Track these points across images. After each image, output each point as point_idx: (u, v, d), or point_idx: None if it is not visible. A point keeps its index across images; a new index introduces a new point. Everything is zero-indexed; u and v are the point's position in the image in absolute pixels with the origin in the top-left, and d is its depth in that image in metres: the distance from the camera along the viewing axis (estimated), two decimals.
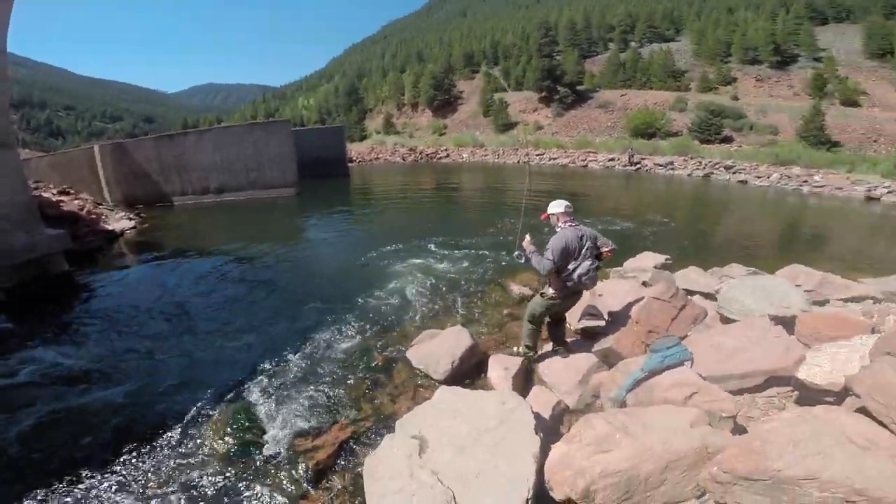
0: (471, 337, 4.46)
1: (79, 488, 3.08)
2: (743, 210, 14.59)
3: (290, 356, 4.72)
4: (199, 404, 3.94)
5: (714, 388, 2.97)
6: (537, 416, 2.81)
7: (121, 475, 3.19)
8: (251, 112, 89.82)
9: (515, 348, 4.41)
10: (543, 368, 4.09)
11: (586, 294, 5.24)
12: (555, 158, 29.01)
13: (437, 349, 4.32)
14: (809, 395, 3.03)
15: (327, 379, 4.30)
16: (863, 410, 2.35)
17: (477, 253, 8.31)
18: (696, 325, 4.13)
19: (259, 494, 3.01)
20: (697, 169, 22.71)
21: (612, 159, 26.88)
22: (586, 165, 26.72)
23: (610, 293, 4.99)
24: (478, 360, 4.37)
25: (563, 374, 3.88)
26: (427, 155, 33.74)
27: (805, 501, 1.92)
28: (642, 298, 4.26)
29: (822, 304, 4.70)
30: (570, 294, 3.84)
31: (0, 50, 6.90)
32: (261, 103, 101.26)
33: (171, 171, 15.13)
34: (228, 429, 3.60)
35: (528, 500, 2.27)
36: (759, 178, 20.05)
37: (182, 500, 2.97)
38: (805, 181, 18.50)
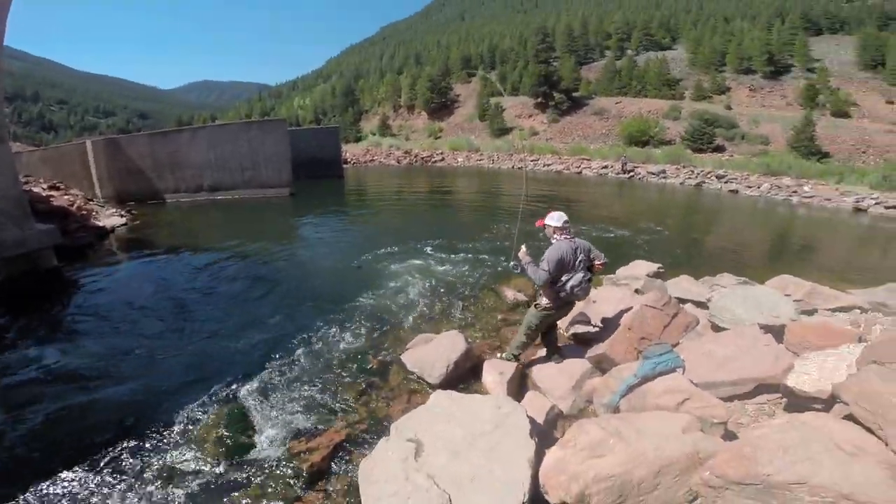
0: (466, 341, 4.47)
1: (69, 489, 3.04)
2: (734, 220, 14.80)
3: (284, 357, 4.69)
4: (191, 405, 3.89)
5: (706, 394, 3.02)
6: (531, 420, 2.82)
7: (111, 477, 3.14)
8: (246, 110, 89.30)
9: (499, 354, 4.44)
10: (537, 374, 4.12)
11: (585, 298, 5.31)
12: (549, 164, 29.20)
13: (432, 353, 4.32)
14: (798, 403, 3.10)
15: (321, 381, 4.28)
16: (850, 417, 2.41)
17: (472, 257, 8.34)
18: (688, 332, 4.19)
19: (253, 497, 2.98)
20: (690, 178, 23.00)
21: (605, 167, 27.12)
22: (580, 172, 26.92)
23: (603, 300, 5.04)
24: (472, 365, 4.38)
25: (557, 379, 3.92)
26: (422, 158, 33.79)
27: None
28: (635, 306, 4.31)
29: (810, 313, 4.79)
30: (562, 304, 3.93)
31: None
32: (256, 102, 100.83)
33: (164, 169, 14.98)
34: (222, 430, 3.56)
35: None
36: (749, 187, 20.36)
37: (175, 502, 2.93)
38: (795, 192, 18.82)
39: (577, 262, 3.73)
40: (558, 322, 4.71)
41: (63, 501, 2.95)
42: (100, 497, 2.98)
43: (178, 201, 15.07)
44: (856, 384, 2.45)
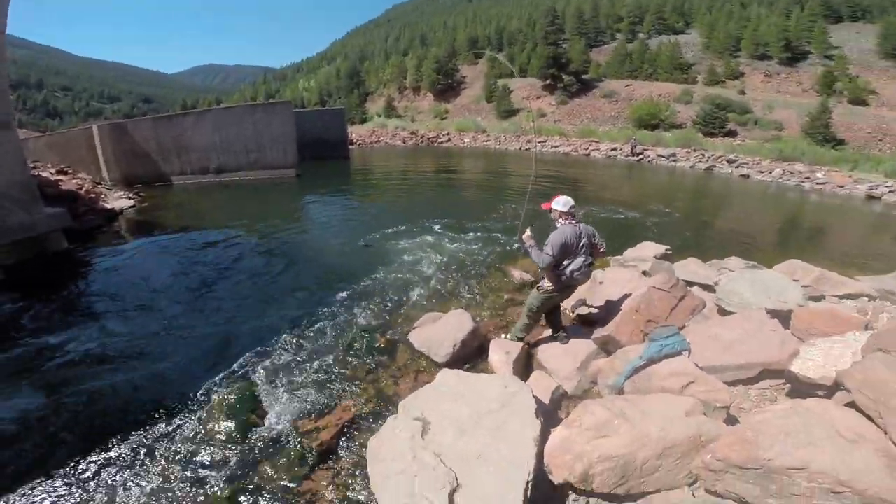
0: (472, 321, 4.52)
1: (85, 467, 3.12)
2: (744, 204, 14.61)
3: (292, 336, 4.76)
4: (202, 384, 3.97)
5: (710, 378, 3.04)
6: (537, 400, 2.87)
7: (124, 455, 3.22)
8: (251, 93, 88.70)
9: (504, 336, 4.49)
10: (543, 354, 4.17)
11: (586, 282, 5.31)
12: (557, 146, 28.81)
13: (440, 332, 4.38)
14: (801, 389, 3.11)
15: (329, 360, 4.34)
16: (852, 405, 2.42)
17: (479, 236, 8.34)
18: (695, 315, 4.19)
19: (263, 474, 3.05)
20: (700, 161, 22.62)
21: (614, 149, 26.73)
22: (588, 154, 26.56)
23: (610, 281, 5.04)
24: (479, 344, 4.44)
25: (562, 359, 3.96)
26: (428, 139, 33.44)
27: (793, 491, 1.99)
28: (642, 288, 4.30)
29: (818, 299, 4.77)
30: (563, 287, 3.97)
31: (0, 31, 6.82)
32: (261, 84, 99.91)
33: (170, 151, 15.01)
34: (231, 409, 3.62)
35: (528, 483, 2.33)
36: (761, 172, 20.02)
37: (186, 480, 3.00)
38: (807, 178, 18.48)
39: (579, 247, 3.76)
40: (563, 304, 4.74)
41: (79, 480, 3.02)
42: (114, 474, 3.06)
43: (185, 183, 15.13)
44: (860, 372, 2.45)
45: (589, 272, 3.91)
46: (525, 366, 4.14)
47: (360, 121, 46.73)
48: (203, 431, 3.45)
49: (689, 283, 5.04)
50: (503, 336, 4.49)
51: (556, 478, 2.48)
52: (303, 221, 10.64)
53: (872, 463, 1.95)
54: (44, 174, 11.31)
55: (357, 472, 3.05)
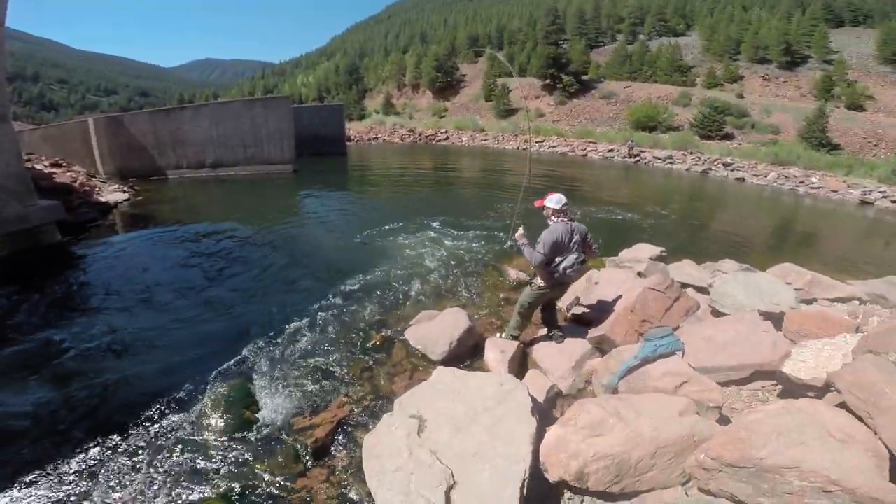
0: (468, 319, 4.53)
1: (79, 462, 3.10)
2: (738, 207, 14.72)
3: (287, 333, 4.74)
4: (196, 381, 3.94)
5: (704, 378, 3.07)
6: (532, 399, 2.88)
7: (117, 451, 3.19)
8: (249, 88, 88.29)
9: (499, 334, 4.51)
10: (538, 353, 4.19)
11: (582, 281, 5.35)
12: (555, 147, 28.88)
13: (435, 330, 4.38)
14: (792, 390, 3.15)
15: (325, 357, 4.34)
16: (843, 406, 2.45)
17: (475, 235, 8.36)
18: (689, 316, 4.23)
19: (257, 471, 3.04)
20: (696, 164, 22.76)
21: (611, 150, 26.83)
22: (586, 155, 26.65)
23: (606, 282, 5.07)
24: (475, 343, 4.45)
25: (557, 359, 3.99)
26: (426, 137, 33.40)
27: (785, 489, 2.02)
28: (637, 288, 4.33)
29: (809, 302, 4.82)
30: (556, 284, 3.99)
31: None
32: (259, 79, 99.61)
33: (166, 145, 14.90)
34: (226, 406, 3.59)
35: (524, 481, 2.34)
36: (756, 176, 20.17)
37: (180, 477, 2.98)
38: (802, 182, 18.65)
39: (571, 244, 3.78)
40: (559, 303, 4.77)
41: (74, 475, 3.00)
42: (107, 470, 3.03)
43: (181, 177, 15.03)
44: (850, 373, 2.48)
45: (582, 269, 3.92)
46: (520, 364, 4.15)
47: (359, 117, 46.60)
48: (197, 428, 3.42)
49: (684, 285, 5.08)
50: (498, 335, 4.51)
51: (552, 476, 2.49)
52: (299, 217, 10.60)
53: (862, 462, 1.98)
54: (38, 167, 11.21)
55: (352, 470, 3.03)
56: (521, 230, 3.92)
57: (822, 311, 4.13)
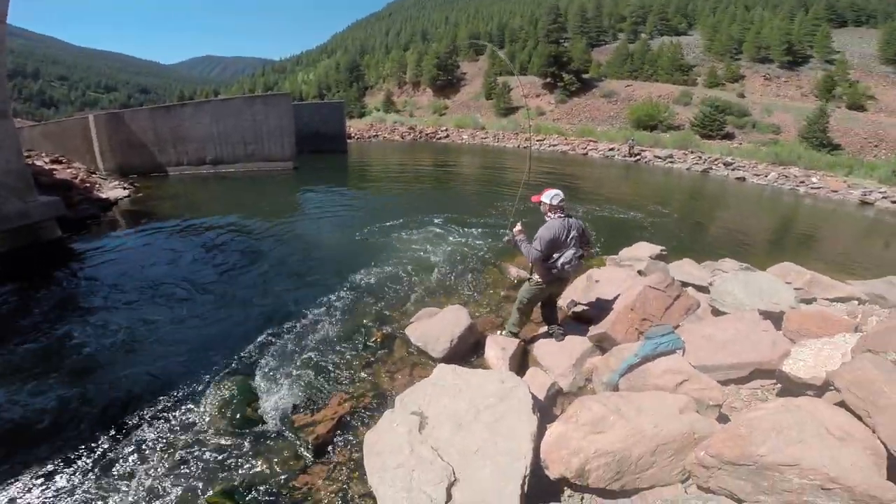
0: (469, 316, 4.54)
1: (81, 459, 3.10)
2: (739, 207, 14.72)
3: (288, 330, 4.76)
4: (198, 377, 3.95)
5: (704, 376, 3.09)
6: (533, 396, 2.89)
7: (120, 447, 3.20)
8: (249, 85, 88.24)
9: (499, 332, 4.52)
10: (539, 350, 4.21)
11: (582, 280, 5.36)
12: (555, 145, 28.85)
13: (436, 327, 4.40)
14: (791, 389, 3.16)
15: (326, 354, 4.35)
16: (842, 404, 2.46)
17: (476, 232, 8.38)
18: (689, 315, 4.24)
19: (259, 468, 3.05)
20: (697, 163, 22.74)
21: (612, 149, 26.79)
22: (586, 154, 26.62)
23: (606, 280, 5.09)
24: (475, 340, 4.47)
25: (558, 356, 4.00)
26: (427, 134, 33.36)
27: (784, 487, 2.03)
28: (638, 287, 4.34)
29: (809, 302, 4.84)
30: (554, 280, 4.00)
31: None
32: (259, 77, 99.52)
33: (166, 142, 14.89)
34: (228, 403, 3.61)
35: (525, 477, 2.35)
36: (757, 176, 20.16)
37: (181, 474, 2.99)
38: (802, 182, 18.64)
39: (568, 240, 3.79)
40: (559, 302, 4.78)
41: (75, 472, 3.01)
42: (109, 467, 3.05)
43: (181, 174, 15.03)
44: (849, 372, 2.49)
45: (579, 265, 3.93)
46: (521, 362, 4.17)
47: (359, 115, 46.54)
48: (199, 425, 3.43)
49: (684, 284, 5.10)
50: (499, 332, 4.52)
51: (553, 473, 2.50)
52: (299, 214, 10.61)
53: (861, 460, 1.99)
54: (38, 163, 11.21)
55: (353, 466, 3.05)
56: (518, 226, 3.93)
57: (822, 310, 4.14)
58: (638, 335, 3.90)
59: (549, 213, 3.88)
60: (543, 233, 3.75)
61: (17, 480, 2.92)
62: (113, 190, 11.64)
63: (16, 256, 6.78)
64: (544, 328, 4.50)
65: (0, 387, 3.85)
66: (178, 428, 3.40)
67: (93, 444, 3.22)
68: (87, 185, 11.25)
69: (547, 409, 3.28)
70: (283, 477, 2.99)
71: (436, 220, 9.13)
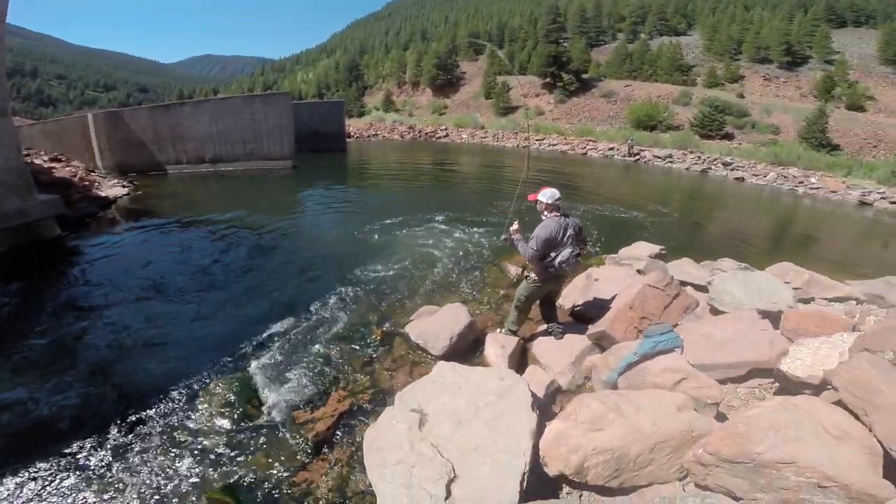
0: (469, 314, 4.56)
1: (80, 455, 3.11)
2: (738, 206, 14.75)
3: (288, 328, 4.76)
4: (198, 375, 3.96)
5: (702, 375, 3.10)
6: (532, 394, 2.90)
7: (120, 444, 3.21)
8: (248, 84, 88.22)
9: (499, 330, 4.54)
10: (538, 348, 4.22)
11: (581, 278, 5.37)
12: (554, 145, 28.86)
13: (436, 325, 4.41)
14: (789, 387, 3.18)
15: (325, 351, 4.36)
16: (839, 403, 2.48)
17: (475, 231, 8.39)
18: (688, 314, 4.26)
19: (259, 465, 3.05)
20: (696, 163, 22.77)
21: (611, 149, 26.82)
22: (585, 153, 26.65)
23: (606, 279, 5.10)
24: (475, 338, 4.49)
25: (557, 354, 4.02)
26: (426, 134, 33.34)
27: (781, 485, 2.04)
28: (637, 286, 4.36)
29: (807, 301, 4.86)
30: (551, 278, 4.01)
31: None
32: (259, 76, 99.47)
33: (165, 141, 14.89)
34: (228, 400, 3.62)
35: (524, 474, 2.37)
36: (756, 176, 20.19)
37: (181, 470, 3.00)
38: (801, 182, 18.67)
39: (565, 239, 3.80)
40: (559, 301, 4.80)
41: (74, 468, 3.01)
42: (109, 463, 3.05)
43: (180, 173, 15.02)
44: (846, 371, 2.50)
45: (576, 263, 3.95)
46: (520, 360, 4.19)
47: (358, 114, 46.49)
48: (199, 421, 3.44)
49: (683, 283, 5.11)
50: (498, 330, 4.53)
51: (552, 470, 2.51)
52: (299, 213, 10.62)
53: (857, 459, 2.00)
54: (37, 161, 11.21)
55: (353, 463, 3.06)
56: (515, 225, 3.95)
57: (820, 310, 4.16)
58: (637, 333, 3.91)
59: (545, 212, 3.89)
60: (540, 232, 3.76)
61: (18, 476, 2.93)
62: (112, 188, 11.63)
63: (15, 254, 6.78)
64: (543, 326, 4.52)
65: (1, 384, 3.85)
66: (178, 425, 3.41)
67: (92, 441, 3.23)
68: (86, 183, 11.24)
69: (546, 407, 3.30)
70: (283, 473, 3.00)
71: (435, 219, 9.15)
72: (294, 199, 12.31)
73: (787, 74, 39.24)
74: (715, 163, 22.61)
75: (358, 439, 3.20)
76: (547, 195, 3.85)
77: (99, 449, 3.17)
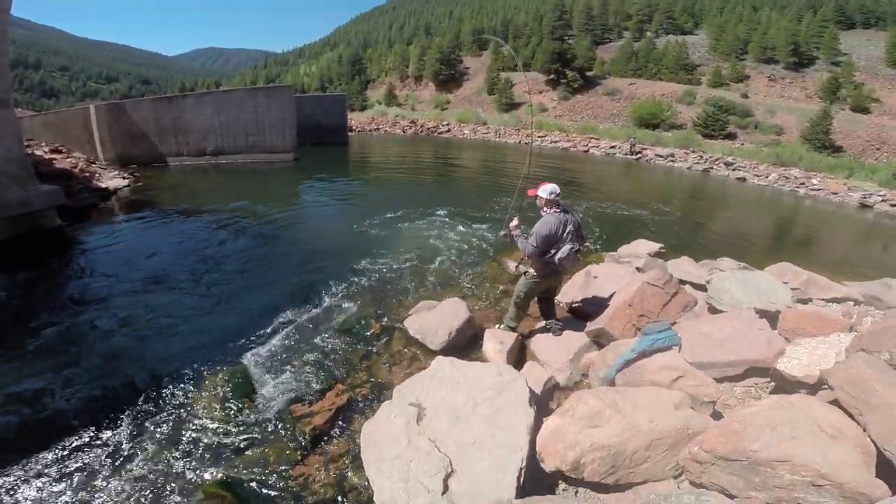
0: (468, 310, 4.57)
1: (76, 449, 3.10)
2: (738, 206, 14.72)
3: (286, 321, 4.77)
4: (194, 368, 3.96)
5: (699, 373, 3.11)
6: (530, 390, 2.91)
7: (118, 436, 3.21)
8: (251, 77, 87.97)
9: (497, 326, 4.54)
10: (536, 345, 4.24)
11: (581, 275, 5.38)
12: (556, 142, 28.77)
13: (435, 320, 4.42)
14: (785, 387, 3.19)
15: (323, 345, 4.36)
16: (835, 402, 2.49)
17: (475, 227, 8.38)
18: (686, 312, 4.26)
19: (255, 458, 3.06)
20: (698, 163, 22.71)
21: (613, 147, 26.75)
22: (588, 151, 26.57)
23: (605, 276, 5.11)
24: (473, 333, 4.50)
25: (555, 351, 4.03)
26: (428, 129, 33.22)
27: (775, 483, 2.05)
28: (636, 283, 4.37)
29: (805, 302, 4.87)
30: (550, 274, 4.02)
31: (3, 9, 6.76)
32: (262, 69, 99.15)
33: (167, 133, 14.87)
34: (225, 393, 3.62)
35: (521, 470, 2.38)
36: (757, 176, 20.14)
37: (178, 464, 3.00)
38: (802, 183, 18.63)
39: (565, 235, 3.80)
40: (558, 297, 4.81)
41: (70, 461, 3.00)
42: (106, 456, 3.05)
43: (181, 165, 15.01)
44: (843, 370, 2.52)
45: (576, 259, 3.95)
46: (518, 356, 4.20)
47: (361, 108, 46.32)
48: (196, 414, 3.44)
49: (682, 282, 5.12)
50: (497, 326, 4.54)
51: (548, 466, 2.53)
52: (299, 206, 10.61)
53: (851, 458, 2.02)
54: (38, 152, 11.19)
55: (350, 457, 3.06)
56: (515, 221, 3.95)
57: (818, 310, 4.17)
58: (635, 331, 3.92)
59: (544, 208, 3.89)
60: (539, 228, 3.76)
61: (14, 470, 2.93)
62: (112, 179, 11.62)
63: (16, 244, 6.79)
64: (542, 323, 4.53)
65: (3, 375, 3.86)
66: (176, 418, 3.41)
67: (89, 433, 3.23)
68: (87, 174, 11.23)
69: (543, 403, 3.31)
70: (279, 467, 3.00)
71: (436, 214, 9.14)
72: (295, 192, 12.31)
73: (792, 75, 39.05)
74: (717, 163, 22.55)
75: (356, 433, 3.20)
76: (546, 190, 3.85)
77: (95, 441, 3.17)
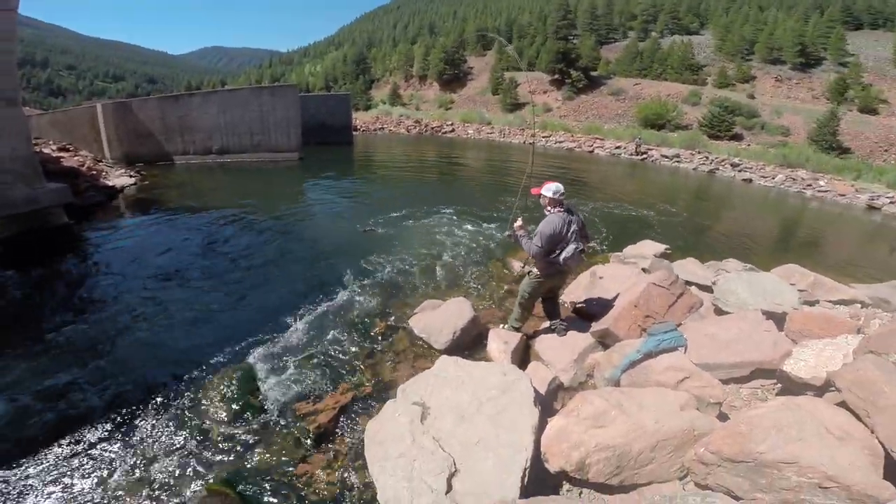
0: (472, 309, 4.57)
1: (83, 445, 3.12)
2: (744, 208, 14.62)
3: (291, 319, 4.78)
4: (199, 365, 3.97)
5: (705, 374, 3.09)
6: (534, 390, 2.91)
7: (122, 434, 3.23)
8: (256, 76, 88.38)
9: (502, 325, 4.54)
10: (541, 345, 4.23)
11: (586, 276, 5.37)
12: (561, 142, 28.68)
13: (439, 319, 4.43)
14: (792, 388, 3.17)
15: (328, 343, 4.37)
16: (842, 404, 2.47)
17: (479, 227, 8.39)
18: (692, 313, 4.24)
19: (259, 457, 3.06)
20: (703, 164, 22.57)
21: (618, 147, 26.63)
22: (592, 151, 26.47)
23: (610, 277, 5.10)
24: (478, 333, 4.49)
25: (560, 351, 4.02)
26: (432, 128, 33.23)
27: (782, 485, 2.04)
28: (641, 284, 4.35)
29: (812, 303, 4.83)
30: (554, 273, 4.01)
31: (11, 8, 6.81)
32: (267, 68, 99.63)
33: (173, 131, 14.99)
34: (230, 391, 3.63)
35: (525, 470, 2.37)
36: (764, 177, 19.98)
37: (182, 461, 3.01)
38: (809, 185, 18.46)
39: (569, 234, 3.78)
40: (562, 298, 4.79)
41: (73, 458, 3.01)
42: (110, 454, 3.06)
43: (187, 163, 15.11)
44: (850, 372, 2.50)
45: (580, 258, 3.94)
46: (523, 356, 4.19)
47: (365, 107, 46.41)
48: (200, 412, 3.45)
49: (688, 283, 5.09)
50: (502, 326, 4.54)
51: (553, 466, 2.52)
52: (304, 204, 10.65)
53: (859, 460, 2.00)
54: (45, 151, 11.28)
55: (354, 456, 3.06)
56: (519, 221, 3.94)
57: (825, 312, 4.14)
58: (640, 332, 3.90)
59: (548, 207, 3.88)
60: (543, 228, 3.75)
61: (18, 466, 2.94)
62: (119, 178, 11.71)
63: (24, 241, 6.86)
64: (546, 323, 4.52)
65: (5, 370, 3.89)
66: (180, 415, 3.42)
67: (95, 430, 3.24)
68: (94, 172, 11.32)
69: (548, 404, 3.30)
70: (283, 465, 3.01)
71: (440, 213, 9.16)
72: (300, 191, 12.36)
73: (799, 76, 38.72)
74: (723, 163, 22.39)
75: (359, 432, 3.20)
76: (550, 189, 3.83)
77: (97, 438, 3.18)
